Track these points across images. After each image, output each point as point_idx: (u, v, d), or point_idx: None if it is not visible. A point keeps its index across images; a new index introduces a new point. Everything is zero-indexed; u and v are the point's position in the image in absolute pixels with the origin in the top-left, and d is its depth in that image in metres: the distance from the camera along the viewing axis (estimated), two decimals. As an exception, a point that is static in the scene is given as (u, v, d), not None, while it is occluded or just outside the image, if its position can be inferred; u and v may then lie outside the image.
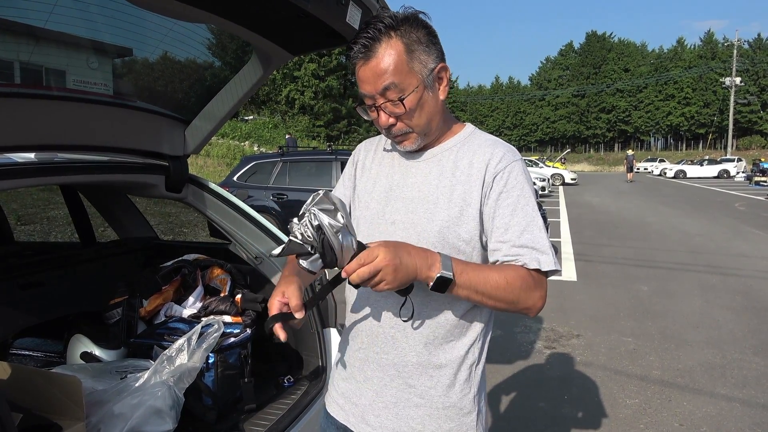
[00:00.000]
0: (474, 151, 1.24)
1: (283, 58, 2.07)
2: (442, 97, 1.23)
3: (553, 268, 1.16)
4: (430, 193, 1.23)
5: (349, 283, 1.09)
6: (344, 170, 1.44)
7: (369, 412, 1.27)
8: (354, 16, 1.75)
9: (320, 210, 1.01)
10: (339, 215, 1.02)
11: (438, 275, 1.08)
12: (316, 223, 1.01)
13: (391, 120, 1.21)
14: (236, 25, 1.80)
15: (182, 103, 2.41)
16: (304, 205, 1.04)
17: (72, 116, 1.90)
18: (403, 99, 1.17)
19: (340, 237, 1.02)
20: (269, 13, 1.72)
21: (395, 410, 1.24)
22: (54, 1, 1.73)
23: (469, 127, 1.32)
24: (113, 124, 2.06)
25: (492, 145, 1.24)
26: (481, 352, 1.26)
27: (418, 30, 1.18)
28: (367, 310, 1.28)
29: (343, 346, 1.37)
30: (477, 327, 1.25)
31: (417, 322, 1.22)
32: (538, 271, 1.16)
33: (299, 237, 1.03)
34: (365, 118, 1.27)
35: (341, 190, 1.42)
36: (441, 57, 1.22)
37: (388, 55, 1.15)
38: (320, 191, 1.05)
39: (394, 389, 1.24)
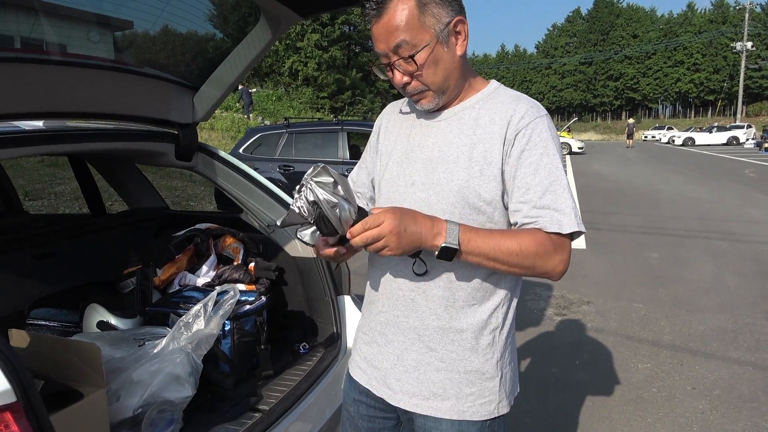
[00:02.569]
0: (496, 108, 1.18)
1: (292, 19, 2.01)
2: (459, 52, 1.17)
3: (576, 230, 1.11)
4: (450, 152, 1.19)
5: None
6: (369, 139, 1.42)
7: (390, 375, 1.26)
8: (366, -26, 1.68)
9: (317, 183, 1.03)
10: (338, 188, 1.03)
11: (442, 245, 1.07)
12: (311, 198, 1.03)
13: (405, 78, 1.17)
14: (244, -15, 1.74)
15: (190, 70, 2.37)
16: (304, 176, 1.05)
17: (79, 83, 1.86)
18: (414, 56, 1.12)
19: (337, 211, 1.03)
20: (279, -28, 1.66)
21: (416, 374, 1.23)
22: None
23: (493, 84, 1.26)
24: (121, 91, 2.02)
25: (515, 100, 1.19)
26: (505, 317, 1.23)
27: None
28: (387, 274, 1.26)
29: (365, 310, 1.36)
30: (501, 291, 1.22)
31: (437, 286, 1.19)
32: (559, 234, 1.11)
33: (297, 210, 1.06)
34: (381, 77, 1.24)
35: (367, 159, 1.41)
36: (458, 10, 1.15)
37: (399, 11, 1.10)
38: (320, 164, 1.06)
39: (415, 353, 1.23)
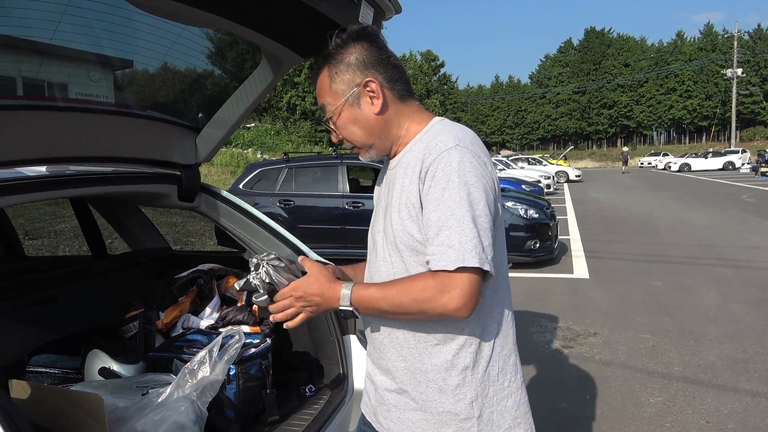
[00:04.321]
0: (420, 148, 1.21)
1: (294, 61, 2.03)
2: (375, 110, 1.23)
3: (461, 265, 1.06)
4: (393, 199, 1.23)
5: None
6: None
7: (379, 413, 1.33)
8: (366, 16, 1.70)
9: (271, 265, 1.26)
10: (284, 272, 1.26)
11: (339, 308, 1.21)
12: (265, 278, 1.25)
13: (336, 137, 1.30)
14: (246, 29, 1.76)
15: (192, 111, 2.38)
16: (260, 257, 1.28)
17: (81, 127, 1.86)
18: (328, 120, 1.27)
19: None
20: (280, 15, 1.68)
21: (397, 413, 1.27)
22: (59, 17, 1.70)
23: (430, 123, 1.26)
24: (124, 134, 2.02)
25: (435, 136, 1.19)
26: (476, 356, 1.20)
27: (350, 52, 1.22)
28: (367, 317, 1.31)
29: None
30: (465, 331, 1.19)
31: (400, 327, 1.23)
32: (446, 271, 1.08)
33: (252, 282, 1.27)
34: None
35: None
36: (373, 71, 1.22)
37: (320, 80, 1.27)
38: (273, 252, 1.30)
39: (393, 393, 1.27)
